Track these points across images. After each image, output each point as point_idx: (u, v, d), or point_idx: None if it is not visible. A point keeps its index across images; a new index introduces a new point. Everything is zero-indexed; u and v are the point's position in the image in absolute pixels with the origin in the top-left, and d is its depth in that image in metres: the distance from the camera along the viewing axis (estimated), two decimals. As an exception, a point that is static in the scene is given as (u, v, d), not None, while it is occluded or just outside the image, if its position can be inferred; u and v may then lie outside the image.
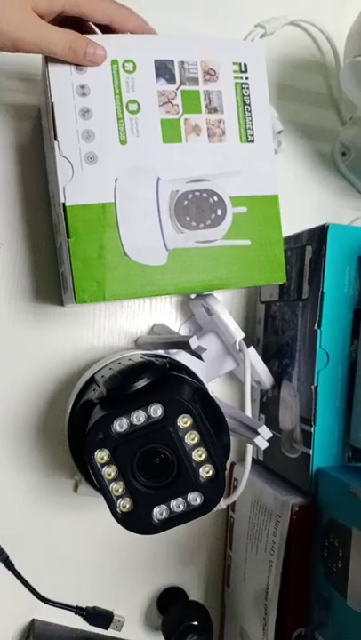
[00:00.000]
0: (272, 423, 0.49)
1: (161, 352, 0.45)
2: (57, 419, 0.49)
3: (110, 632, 0.50)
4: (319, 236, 0.44)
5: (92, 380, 0.42)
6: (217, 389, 0.52)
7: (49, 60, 0.39)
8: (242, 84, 0.42)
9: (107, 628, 0.50)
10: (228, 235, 0.41)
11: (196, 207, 0.41)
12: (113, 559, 0.52)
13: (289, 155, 0.55)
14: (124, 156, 0.40)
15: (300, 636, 0.43)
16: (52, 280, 0.49)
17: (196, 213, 0.41)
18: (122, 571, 0.52)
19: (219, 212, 0.41)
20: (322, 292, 0.43)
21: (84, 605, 0.50)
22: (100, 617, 0.50)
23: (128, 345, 0.51)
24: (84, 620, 0.49)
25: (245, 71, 0.42)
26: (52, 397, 0.49)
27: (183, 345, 0.40)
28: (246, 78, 0.42)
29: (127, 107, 0.40)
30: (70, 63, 0.39)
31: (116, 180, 0.40)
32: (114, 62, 0.40)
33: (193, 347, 0.39)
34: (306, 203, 0.55)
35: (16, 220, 0.48)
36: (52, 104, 0.39)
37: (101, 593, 0.51)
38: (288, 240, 0.48)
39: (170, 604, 0.52)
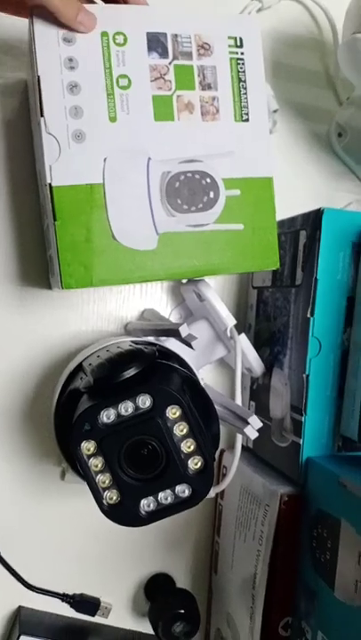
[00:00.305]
0: (262, 411, 0.49)
1: (151, 339, 0.44)
2: (43, 405, 0.48)
3: (97, 619, 0.50)
4: (314, 220, 0.42)
5: (79, 367, 0.41)
6: (207, 376, 0.51)
7: (36, 29, 0.37)
8: (237, 59, 0.40)
9: (93, 614, 0.50)
10: (221, 218, 0.40)
11: (188, 189, 0.39)
12: (100, 546, 0.51)
13: (284, 135, 0.53)
14: (113, 135, 0.38)
15: (286, 624, 0.43)
16: (39, 263, 0.47)
17: (187, 196, 0.39)
18: (109, 557, 0.51)
19: (211, 195, 0.40)
20: (315, 278, 0.42)
21: (70, 592, 0.50)
22: (87, 604, 0.50)
23: (117, 330, 0.50)
24: (71, 607, 0.49)
25: (241, 46, 0.41)
26: (39, 383, 0.48)
27: (173, 333, 0.39)
28: (242, 53, 0.41)
29: (117, 82, 0.38)
30: (60, 26, 0.37)
31: (104, 159, 0.38)
32: (104, 34, 0.38)
33: (183, 335, 0.38)
34: (300, 184, 0.54)
35: (2, 201, 0.47)
36: (39, 77, 0.37)
37: (89, 580, 0.51)
38: (282, 224, 0.47)
39: (157, 591, 0.52)
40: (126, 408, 0.34)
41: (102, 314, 0.49)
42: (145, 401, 0.34)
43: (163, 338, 0.44)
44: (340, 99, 0.54)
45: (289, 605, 0.43)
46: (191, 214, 0.39)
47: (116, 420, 0.34)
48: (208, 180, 0.40)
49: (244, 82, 0.41)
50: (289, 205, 0.51)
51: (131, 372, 0.35)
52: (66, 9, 0.36)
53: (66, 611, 0.49)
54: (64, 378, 0.42)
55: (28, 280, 0.48)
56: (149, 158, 0.39)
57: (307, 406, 0.42)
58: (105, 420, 0.34)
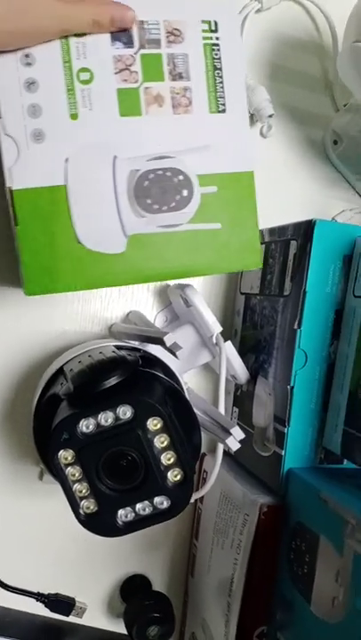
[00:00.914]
0: (245, 418, 0.48)
1: (135, 343, 0.43)
2: (23, 405, 0.47)
3: (71, 619, 0.50)
4: (305, 231, 0.42)
5: (60, 371, 0.41)
6: (191, 380, 0.51)
7: None
8: (212, 44, 0.38)
9: (68, 614, 0.49)
10: (196, 218, 0.38)
11: (159, 188, 0.37)
12: (77, 546, 0.51)
13: (279, 139, 0.52)
14: (75, 133, 0.36)
15: (261, 634, 0.43)
16: (15, 260, 0.46)
17: (158, 195, 0.37)
18: (86, 558, 0.51)
19: (185, 193, 0.38)
20: (304, 290, 0.41)
21: (46, 592, 0.49)
22: (62, 604, 0.49)
23: (102, 331, 0.49)
24: (45, 606, 0.49)
25: (216, 30, 0.38)
26: (20, 383, 0.48)
27: (158, 341, 0.39)
28: (217, 38, 0.38)
29: (78, 76, 0.36)
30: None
31: (66, 159, 0.36)
32: None
33: (168, 344, 0.38)
34: (293, 191, 0.53)
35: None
36: None
37: (64, 580, 0.51)
38: (273, 232, 0.46)
39: (133, 593, 0.51)
40: (106, 418, 0.34)
41: (86, 314, 0.49)
42: (126, 412, 0.34)
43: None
44: (337, 105, 0.53)
45: (264, 615, 0.43)
46: (162, 214, 0.37)
47: (95, 430, 0.34)
48: (181, 178, 0.38)
49: (220, 69, 0.38)
50: (281, 210, 0.50)
51: (112, 382, 0.34)
52: (97, 27, 0.35)
53: (40, 611, 0.49)
54: (44, 381, 0.41)
55: (9, 279, 0.47)
56: (115, 156, 0.37)
57: (290, 418, 0.42)
58: (84, 429, 0.34)
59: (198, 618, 0.50)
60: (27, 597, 0.49)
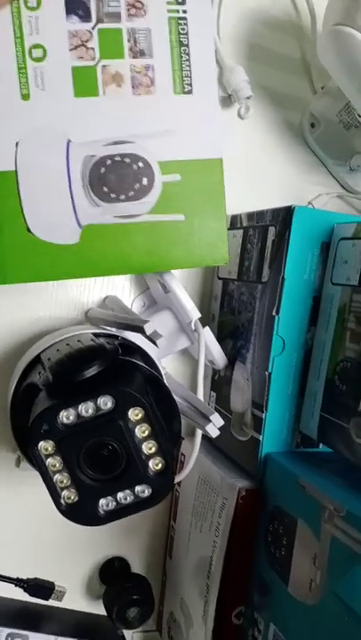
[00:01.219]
0: (223, 402, 0.49)
1: (112, 329, 0.43)
2: (-1, 392, 0.47)
3: (51, 602, 0.50)
4: (284, 217, 0.42)
5: (37, 359, 0.40)
6: (169, 365, 0.51)
7: None
8: (178, 18, 0.35)
9: (47, 599, 0.50)
10: (157, 208, 0.36)
11: (116, 175, 0.35)
12: (55, 530, 0.51)
13: (256, 121, 0.52)
14: (26, 115, 0.34)
15: (239, 613, 0.44)
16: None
17: (115, 183, 0.35)
18: (64, 542, 0.51)
19: (145, 182, 0.35)
20: (283, 277, 0.41)
21: (25, 577, 0.49)
22: (41, 588, 0.49)
23: (78, 316, 0.49)
24: (25, 591, 0.49)
25: (183, 2, 0.35)
26: (-5, 370, 0.47)
27: (138, 329, 0.38)
28: (184, 12, 0.35)
29: (30, 53, 0.33)
30: None
31: (17, 143, 0.34)
32: None
33: (148, 332, 0.37)
34: (270, 174, 0.53)
35: None
36: None
37: (43, 564, 0.51)
38: (251, 217, 0.46)
39: (112, 575, 0.52)
40: (87, 409, 0.33)
41: (62, 300, 0.48)
42: (106, 402, 0.34)
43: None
44: (314, 87, 0.53)
45: (242, 595, 0.44)
46: (120, 204, 0.35)
47: (75, 420, 0.33)
48: (140, 165, 0.35)
49: (187, 46, 0.35)
50: (258, 193, 0.50)
51: (92, 372, 0.34)
52: None
53: (20, 595, 0.49)
54: (20, 369, 0.40)
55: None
56: (69, 140, 0.35)
57: (268, 404, 0.42)
58: (64, 420, 0.33)
59: (177, 598, 0.51)
60: (5, 583, 0.49)
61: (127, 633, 0.52)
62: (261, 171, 0.52)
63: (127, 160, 0.35)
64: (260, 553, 0.42)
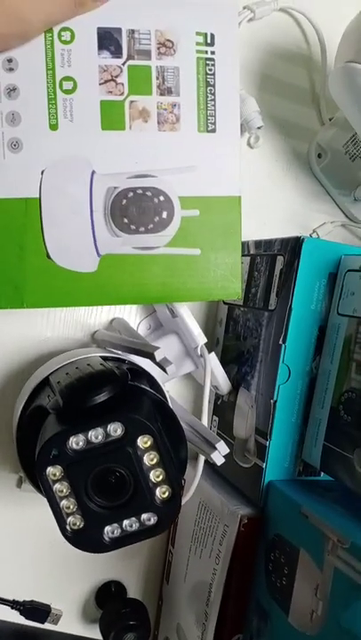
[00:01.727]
0: (225, 427, 0.49)
1: (120, 352, 0.43)
2: (3, 411, 0.46)
3: (47, 626, 0.50)
4: (293, 247, 0.42)
5: (45, 381, 0.40)
6: (172, 388, 0.51)
7: None
8: (206, 59, 0.36)
9: (43, 622, 0.49)
10: (174, 241, 0.37)
11: (137, 208, 0.36)
12: (52, 553, 0.51)
13: (265, 150, 0.53)
14: (53, 144, 0.35)
15: (237, 641, 0.44)
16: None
17: (136, 215, 0.36)
18: (61, 564, 0.51)
19: (164, 215, 0.36)
20: (290, 306, 0.42)
21: (21, 599, 0.49)
22: (37, 611, 0.49)
23: (84, 338, 0.49)
24: (21, 614, 0.49)
25: (212, 44, 0.36)
26: (0, 389, 0.47)
27: (147, 355, 0.38)
28: (212, 53, 0.36)
29: (61, 85, 0.34)
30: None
31: (42, 171, 0.35)
32: (47, 31, 0.34)
33: (158, 359, 0.38)
34: (276, 202, 0.54)
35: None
36: None
37: (39, 587, 0.50)
38: (258, 245, 0.46)
39: (109, 599, 0.52)
40: (96, 435, 0.33)
41: (69, 321, 0.48)
42: (116, 429, 0.34)
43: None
44: (322, 118, 0.54)
45: (241, 623, 0.44)
46: (139, 235, 0.36)
47: (85, 446, 0.33)
48: (161, 198, 0.36)
49: (213, 86, 0.36)
50: (263, 221, 0.51)
51: (102, 397, 0.34)
52: (81, 7, 0.33)
53: (16, 618, 0.49)
54: (28, 391, 0.40)
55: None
56: (93, 171, 0.35)
57: (272, 431, 0.43)
58: (74, 446, 0.33)
59: (173, 623, 0.51)
60: (1, 605, 0.48)
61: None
62: (268, 198, 0.53)
63: (149, 193, 0.36)
64: (260, 581, 0.42)
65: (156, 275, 0.37)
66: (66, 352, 0.43)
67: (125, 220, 0.36)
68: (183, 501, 0.46)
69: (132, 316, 0.50)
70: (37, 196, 0.35)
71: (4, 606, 0.48)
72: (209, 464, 0.52)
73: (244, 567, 0.43)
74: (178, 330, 0.47)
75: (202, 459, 0.45)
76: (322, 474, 0.44)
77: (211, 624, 0.44)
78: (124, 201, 0.36)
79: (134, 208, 0.36)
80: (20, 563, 0.50)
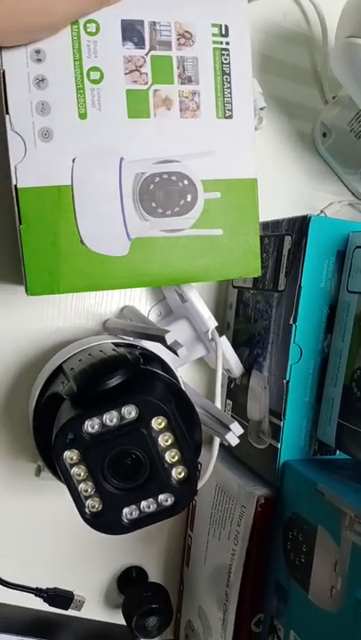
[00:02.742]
0: (239, 410, 0.49)
1: (131, 339, 0.43)
2: (20, 401, 0.47)
3: (70, 612, 0.50)
4: (300, 227, 0.42)
5: (59, 369, 0.40)
6: (185, 374, 0.51)
7: None
8: (221, 49, 0.37)
9: (67, 608, 0.50)
10: (198, 223, 0.38)
11: (164, 192, 0.37)
12: (74, 540, 0.51)
13: (268, 132, 0.53)
14: (83, 133, 0.35)
15: (258, 621, 0.44)
16: (14, 258, 0.46)
17: (162, 199, 0.37)
18: (82, 551, 0.52)
19: (188, 198, 0.38)
20: (300, 285, 0.42)
21: (44, 587, 0.50)
22: (61, 598, 0.50)
23: (96, 327, 0.49)
24: (44, 601, 0.49)
25: (226, 35, 0.37)
26: (15, 379, 0.47)
27: (158, 339, 0.39)
28: (227, 43, 0.37)
29: (88, 75, 0.35)
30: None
31: (73, 159, 0.36)
32: (74, 23, 0.35)
33: (169, 342, 0.38)
34: (283, 182, 0.53)
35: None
36: (3, 72, 0.34)
37: (62, 574, 0.51)
38: (266, 226, 0.46)
39: (130, 585, 0.52)
40: (111, 418, 0.34)
41: (80, 310, 0.49)
42: (130, 411, 0.34)
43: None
44: (325, 97, 0.53)
45: (261, 603, 0.44)
46: (166, 219, 0.37)
47: (100, 430, 0.34)
48: (185, 182, 0.37)
49: (229, 75, 0.38)
50: (270, 202, 0.50)
51: (115, 381, 0.35)
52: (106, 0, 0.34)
53: (39, 605, 0.50)
54: (43, 379, 0.41)
55: (4, 275, 0.46)
56: (122, 158, 0.36)
57: (286, 411, 0.43)
58: (89, 429, 0.34)
59: (195, 606, 0.51)
60: (25, 593, 0.49)
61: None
62: (274, 180, 0.53)
63: (174, 178, 0.37)
64: (279, 560, 0.42)
65: (183, 255, 0.38)
66: (79, 340, 0.43)
67: (153, 204, 0.37)
68: (200, 485, 0.47)
69: (142, 303, 0.50)
70: (69, 183, 0.36)
71: (28, 594, 0.49)
72: (224, 448, 0.52)
73: (263, 547, 0.43)
74: (188, 315, 0.47)
75: (217, 442, 0.45)
76: (337, 452, 0.44)
77: (232, 605, 0.44)
78: (152, 186, 0.37)
79: (161, 192, 0.37)
80: (40, 551, 0.50)
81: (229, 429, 0.40)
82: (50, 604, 0.49)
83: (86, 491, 0.35)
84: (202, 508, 0.51)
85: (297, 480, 0.42)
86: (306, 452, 0.44)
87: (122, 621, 0.50)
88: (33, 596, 0.49)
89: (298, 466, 0.42)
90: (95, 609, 0.52)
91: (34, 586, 0.49)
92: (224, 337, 0.45)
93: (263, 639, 0.43)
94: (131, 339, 0.43)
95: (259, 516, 0.43)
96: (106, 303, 0.49)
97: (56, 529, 0.50)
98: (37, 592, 0.49)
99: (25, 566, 0.50)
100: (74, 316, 0.48)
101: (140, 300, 0.50)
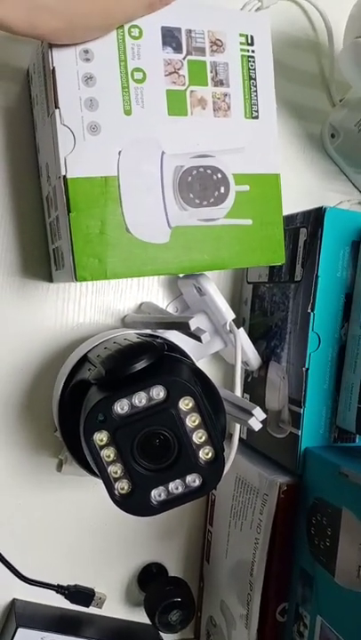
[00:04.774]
0: (256, 403, 0.49)
1: (149, 331, 0.44)
2: (42, 396, 0.48)
3: (91, 609, 0.50)
4: (316, 218, 0.44)
5: (84, 358, 0.41)
6: (203, 369, 0.52)
7: None
8: (248, 56, 0.41)
9: (88, 605, 0.50)
10: (231, 213, 0.41)
11: (200, 184, 0.40)
12: (93, 537, 0.51)
13: (279, 134, 0.53)
14: (128, 128, 0.38)
15: (283, 610, 0.44)
16: (38, 255, 0.47)
17: (199, 190, 0.40)
18: (102, 548, 0.52)
19: (222, 190, 0.41)
20: (316, 275, 0.43)
21: (64, 584, 0.50)
22: (82, 595, 0.50)
23: (115, 323, 0.50)
24: (65, 598, 0.49)
25: (252, 44, 0.41)
26: (37, 375, 0.48)
27: (181, 326, 0.40)
28: (253, 51, 0.41)
29: (132, 75, 0.38)
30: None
31: (119, 152, 0.38)
32: (119, 27, 0.38)
33: (192, 328, 0.39)
34: (293, 183, 0.55)
35: (1, 191, 0.46)
36: (54, 69, 0.37)
37: (82, 571, 0.51)
38: (280, 221, 0.48)
39: (151, 581, 0.52)
40: (140, 399, 0.35)
41: (100, 306, 0.49)
42: (159, 392, 0.35)
43: (161, 330, 0.45)
44: (333, 100, 0.55)
45: (286, 591, 0.44)
46: (203, 209, 0.40)
47: (129, 411, 0.35)
48: (219, 176, 0.40)
49: (255, 79, 0.42)
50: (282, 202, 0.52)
51: (143, 364, 0.35)
52: (151, 7, 0.37)
53: (60, 602, 0.49)
54: (68, 368, 0.42)
55: (27, 272, 0.47)
56: (163, 152, 0.39)
57: (306, 399, 0.44)
58: (119, 411, 0.34)
59: (217, 601, 0.51)
60: (47, 590, 0.49)
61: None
62: (285, 179, 0.53)
63: (209, 171, 0.40)
64: (302, 547, 0.43)
65: (218, 243, 0.41)
66: (100, 333, 0.44)
67: (191, 195, 0.40)
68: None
69: (159, 300, 0.51)
70: (116, 174, 0.38)
71: (49, 591, 0.49)
72: (242, 441, 0.52)
73: (286, 534, 0.43)
74: (206, 309, 0.48)
75: (236, 434, 0.46)
76: (357, 438, 0.45)
77: (256, 595, 0.44)
78: (190, 178, 0.40)
79: (198, 184, 0.40)
80: (61, 548, 0.50)
81: (252, 414, 0.41)
82: (71, 601, 0.49)
83: (116, 472, 0.35)
84: (221, 502, 0.51)
85: (320, 465, 0.42)
86: (326, 439, 0.45)
87: (143, 619, 0.50)
88: (54, 593, 0.49)
89: (320, 451, 0.43)
90: (116, 606, 0.52)
91: (54, 582, 0.49)
92: (242, 329, 0.46)
93: (288, 628, 0.43)
94: (149, 331, 0.44)
95: (281, 504, 0.43)
96: (124, 300, 0.50)
97: (76, 526, 0.51)
98: (59, 589, 0.49)
99: (44, 563, 0.50)
100: (94, 312, 0.49)
101: (157, 296, 0.51)
